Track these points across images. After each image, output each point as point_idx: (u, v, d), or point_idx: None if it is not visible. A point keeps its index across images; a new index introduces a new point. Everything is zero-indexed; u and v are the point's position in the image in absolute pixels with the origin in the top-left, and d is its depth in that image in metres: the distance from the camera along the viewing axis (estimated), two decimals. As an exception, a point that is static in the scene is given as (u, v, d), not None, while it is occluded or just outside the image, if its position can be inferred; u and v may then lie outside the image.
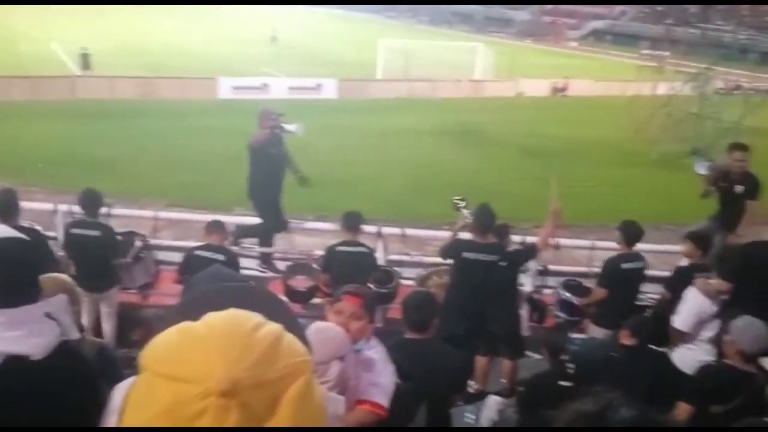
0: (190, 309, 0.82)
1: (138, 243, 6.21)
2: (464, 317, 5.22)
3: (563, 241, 7.79)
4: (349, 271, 5.45)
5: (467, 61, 32.35)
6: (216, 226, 5.91)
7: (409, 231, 7.53)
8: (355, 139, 18.38)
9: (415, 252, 7.38)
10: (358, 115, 22.15)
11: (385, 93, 27.35)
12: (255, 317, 0.78)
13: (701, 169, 6.44)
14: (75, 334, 2.74)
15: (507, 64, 33.43)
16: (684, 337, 4.53)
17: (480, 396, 5.64)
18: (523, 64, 35.83)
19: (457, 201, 5.88)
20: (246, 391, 0.69)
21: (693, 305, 4.51)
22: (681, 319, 4.52)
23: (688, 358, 4.19)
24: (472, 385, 5.66)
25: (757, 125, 19.34)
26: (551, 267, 7.12)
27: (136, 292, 6.32)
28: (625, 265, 5.60)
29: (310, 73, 28.60)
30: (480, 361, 5.73)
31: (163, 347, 0.74)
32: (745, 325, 3.30)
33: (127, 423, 0.73)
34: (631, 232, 5.69)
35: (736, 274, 4.28)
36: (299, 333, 0.83)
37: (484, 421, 4.81)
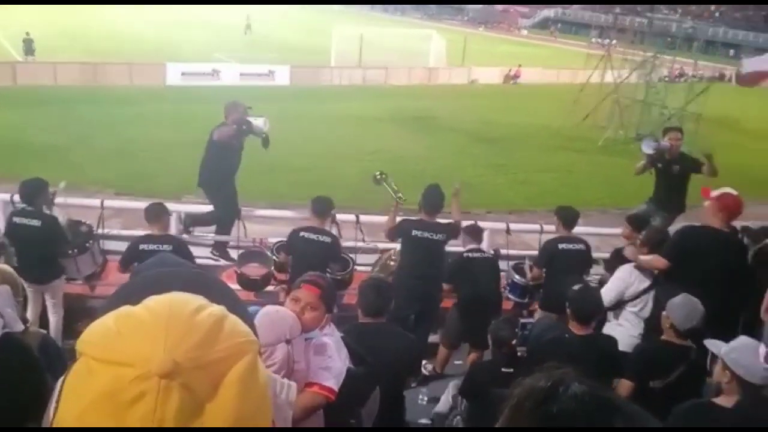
0: (131, 294, 0.81)
1: (84, 232, 6.04)
2: (414, 298, 5.26)
3: (513, 226, 7.95)
4: (308, 260, 5.25)
5: (421, 49, 32.41)
6: (156, 213, 5.53)
7: (364, 217, 7.52)
8: (308, 127, 18.23)
9: (369, 238, 7.38)
10: (312, 102, 21.96)
11: (338, 80, 27.17)
12: (197, 300, 0.77)
13: (648, 148, 6.65)
14: (19, 327, 2.67)
15: (460, 51, 33.64)
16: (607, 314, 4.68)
17: (435, 378, 5.74)
18: (476, 52, 36.11)
19: (376, 175, 5.97)
20: (187, 373, 0.68)
21: (618, 282, 4.68)
22: (603, 294, 4.65)
23: (617, 334, 4.31)
24: (427, 368, 5.75)
25: (699, 111, 20.04)
26: (502, 251, 7.23)
27: (82, 283, 6.14)
28: (562, 246, 5.68)
29: (263, 60, 28.18)
30: (442, 350, 5.80)
31: (100, 332, 0.73)
32: (679, 303, 3.43)
33: (64, 410, 0.71)
34: (567, 216, 5.86)
35: (674, 254, 4.43)
36: (243, 315, 0.82)
37: (441, 405, 4.90)
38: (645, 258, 4.54)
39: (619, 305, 4.69)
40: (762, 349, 2.07)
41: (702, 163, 6.61)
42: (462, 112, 22.64)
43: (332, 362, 2.58)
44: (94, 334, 0.73)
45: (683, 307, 3.39)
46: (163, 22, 42.12)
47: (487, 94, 27.74)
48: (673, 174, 6.87)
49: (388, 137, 18.13)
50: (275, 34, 40.63)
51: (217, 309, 0.77)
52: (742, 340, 2.73)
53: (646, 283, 4.62)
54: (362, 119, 19.98)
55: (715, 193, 4.21)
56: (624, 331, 4.52)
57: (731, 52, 50.78)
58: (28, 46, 24.79)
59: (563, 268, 5.56)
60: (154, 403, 0.66)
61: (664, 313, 3.47)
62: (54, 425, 0.73)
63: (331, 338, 2.72)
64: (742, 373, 2.57)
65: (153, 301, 0.76)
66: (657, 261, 4.41)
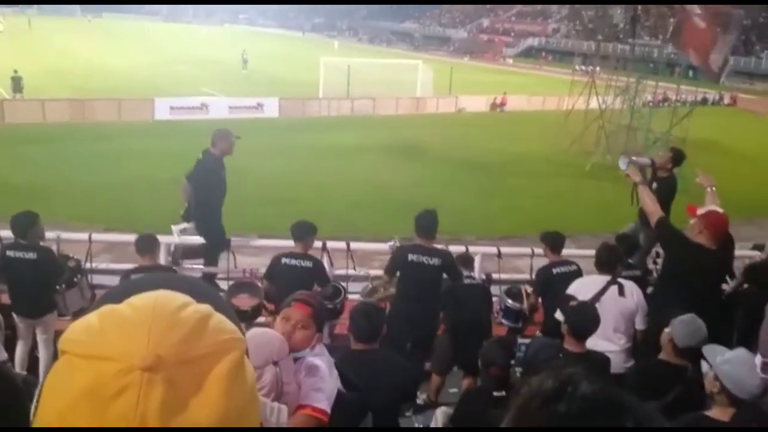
0: (116, 296, 0.80)
1: (72, 267, 5.97)
2: (411, 324, 5.22)
3: (504, 250, 7.96)
4: (291, 286, 5.25)
5: (408, 79, 32.80)
6: (146, 244, 5.56)
7: (354, 245, 7.50)
8: (297, 158, 18.32)
9: (360, 267, 7.36)
10: (300, 133, 22.09)
11: (327, 111, 27.39)
12: (182, 297, 0.76)
13: (622, 164, 6.71)
14: (3, 355, 2.62)
15: (446, 81, 34.07)
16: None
17: (429, 407, 5.66)
18: (462, 81, 36.61)
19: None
20: (171, 368, 0.67)
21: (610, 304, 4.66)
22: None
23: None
24: (421, 397, 5.67)
25: (683, 135, 20.29)
26: (494, 276, 7.23)
27: (70, 319, 6.06)
28: (556, 270, 5.72)
29: (251, 93, 28.40)
30: (434, 378, 5.75)
31: (83, 329, 0.72)
32: (684, 320, 3.42)
33: (45, 408, 0.69)
34: (554, 240, 5.92)
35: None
36: (230, 316, 0.81)
37: (433, 432, 4.83)
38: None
39: None
40: (758, 359, 2.06)
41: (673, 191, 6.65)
42: (450, 140, 22.84)
43: (324, 383, 2.55)
44: (76, 331, 0.71)
45: (687, 326, 3.38)
46: (150, 61, 42.44)
47: (474, 122, 28.03)
48: (653, 191, 6.91)
49: (377, 167, 18.21)
50: (263, 68, 41.03)
51: (202, 306, 0.76)
52: (738, 352, 2.71)
53: (590, 295, 4.60)
54: (351, 149, 20.09)
55: (700, 211, 4.24)
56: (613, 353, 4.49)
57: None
58: (17, 84, 24.82)
59: (558, 291, 5.54)
60: (137, 397, 0.65)
61: (666, 329, 3.45)
62: (34, 425, 0.71)
63: (322, 358, 2.69)
64: (730, 387, 2.56)
65: (137, 299, 0.75)
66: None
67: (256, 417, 0.79)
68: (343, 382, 2.81)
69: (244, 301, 6.17)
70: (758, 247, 5.70)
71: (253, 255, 7.86)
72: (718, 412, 2.61)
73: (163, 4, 47.00)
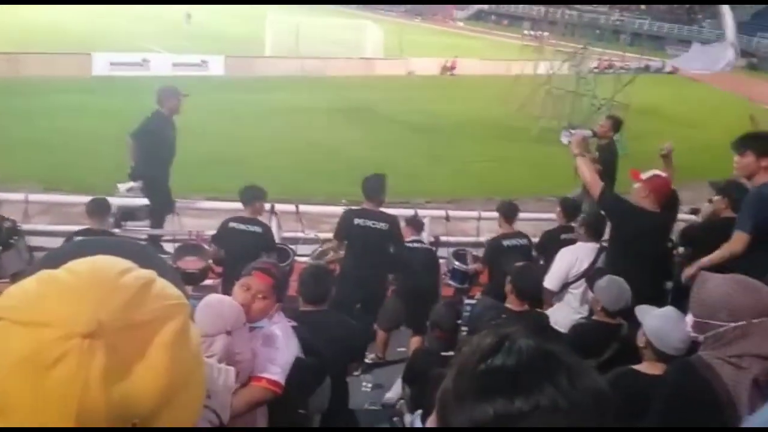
0: (55, 259, 0.78)
1: (7, 228, 5.74)
2: (359, 287, 5.26)
3: (452, 214, 8.07)
4: (239, 251, 5.19)
5: (357, 39, 32.31)
6: (98, 207, 5.48)
7: (303, 208, 7.45)
8: (244, 118, 17.92)
9: (309, 229, 7.33)
10: (247, 92, 21.56)
11: (274, 70, 26.78)
12: (124, 262, 0.75)
13: (564, 138, 6.85)
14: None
15: (397, 43, 33.74)
16: (553, 296, 4.83)
17: (378, 365, 5.76)
18: (413, 43, 36.32)
19: None
20: (112, 333, 0.66)
21: (561, 266, 4.82)
22: (550, 279, 4.81)
23: (560, 316, 4.45)
24: (370, 356, 5.76)
25: (627, 102, 20.83)
26: (442, 238, 7.33)
27: (8, 282, 5.84)
28: (507, 243, 5.83)
29: (195, 49, 27.46)
30: (380, 333, 5.83)
31: (20, 294, 0.69)
32: (606, 285, 3.57)
33: None
34: (508, 210, 6.02)
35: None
36: (175, 281, 0.80)
37: (392, 392, 4.92)
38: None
39: (564, 287, 4.82)
40: (689, 318, 2.17)
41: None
42: (400, 103, 22.74)
43: (280, 354, 2.54)
44: (13, 296, 0.70)
45: (611, 290, 3.52)
46: (86, 14, 40.30)
47: (424, 85, 27.96)
48: (595, 160, 7.11)
49: (327, 128, 18.03)
50: (208, 24, 39.64)
51: (145, 272, 0.75)
52: (666, 310, 2.84)
53: (586, 264, 4.77)
54: (300, 110, 19.78)
55: (644, 176, 4.37)
56: (567, 311, 4.66)
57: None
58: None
59: (507, 263, 5.65)
60: (77, 364, 0.64)
61: (593, 296, 3.59)
62: None
63: (280, 327, 2.68)
64: (654, 341, 2.69)
65: (77, 263, 0.73)
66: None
67: (202, 382, 0.79)
68: (303, 347, 2.81)
69: (191, 264, 6.08)
70: (694, 211, 5.95)
71: (199, 217, 7.72)
72: (647, 366, 2.75)
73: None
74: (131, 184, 6.72)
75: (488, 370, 0.82)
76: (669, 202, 4.34)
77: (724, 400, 1.98)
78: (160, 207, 6.88)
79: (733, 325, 2.02)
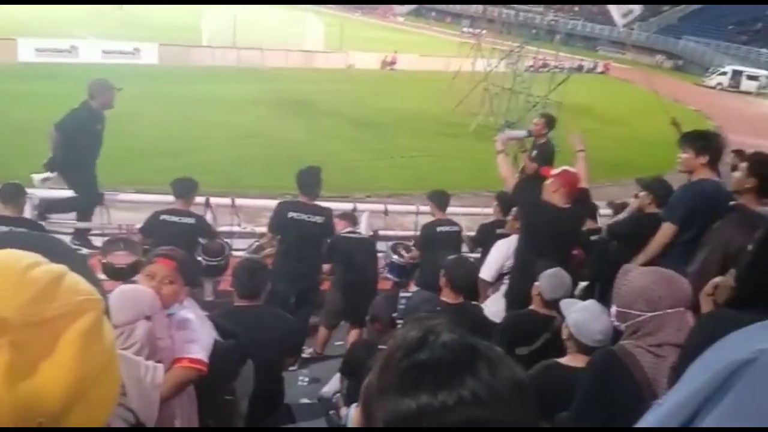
0: None
1: None
2: (293, 280, 5.22)
3: (391, 208, 8.11)
4: (173, 243, 5.08)
5: (297, 31, 31.95)
6: (12, 193, 5.19)
7: (240, 201, 7.32)
8: (179, 109, 17.44)
9: (246, 223, 7.21)
10: (182, 82, 21.00)
11: (211, 60, 26.18)
12: (32, 257, 0.73)
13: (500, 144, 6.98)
14: None
15: (337, 36, 33.58)
16: (489, 288, 4.94)
17: (315, 360, 5.74)
18: (353, 37, 36.21)
19: None
20: (18, 330, 0.65)
21: (497, 257, 4.94)
22: (486, 270, 4.93)
23: (495, 308, 4.54)
24: (308, 351, 5.73)
25: (560, 100, 21.43)
26: (381, 232, 7.36)
27: None
28: (439, 229, 5.97)
29: (127, 37, 26.51)
30: (322, 330, 5.81)
31: None
32: (550, 274, 3.67)
33: None
34: (440, 199, 6.16)
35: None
36: (88, 276, 0.78)
37: (328, 386, 4.90)
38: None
39: (500, 278, 4.93)
40: (613, 309, 2.25)
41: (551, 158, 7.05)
42: (340, 96, 22.66)
43: (197, 334, 2.54)
44: None
45: (552, 279, 3.62)
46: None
47: (364, 79, 27.94)
48: (532, 158, 7.30)
49: (265, 121, 17.77)
50: (142, 11, 38.33)
51: (55, 266, 0.73)
52: (588, 302, 2.96)
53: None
54: (237, 102, 19.42)
55: (554, 172, 4.57)
56: (503, 302, 4.75)
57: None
58: None
59: (439, 248, 5.72)
60: None
61: (536, 282, 3.68)
62: None
63: (191, 311, 2.67)
64: (575, 333, 2.80)
65: None
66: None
67: (116, 379, 0.77)
68: (219, 331, 2.80)
69: (120, 258, 5.87)
70: (615, 206, 6.21)
71: (130, 210, 7.46)
72: (571, 359, 2.84)
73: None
74: (47, 174, 6.42)
75: (412, 365, 0.83)
76: (580, 198, 4.50)
77: (644, 388, 2.06)
78: (86, 200, 6.60)
79: (650, 314, 2.12)
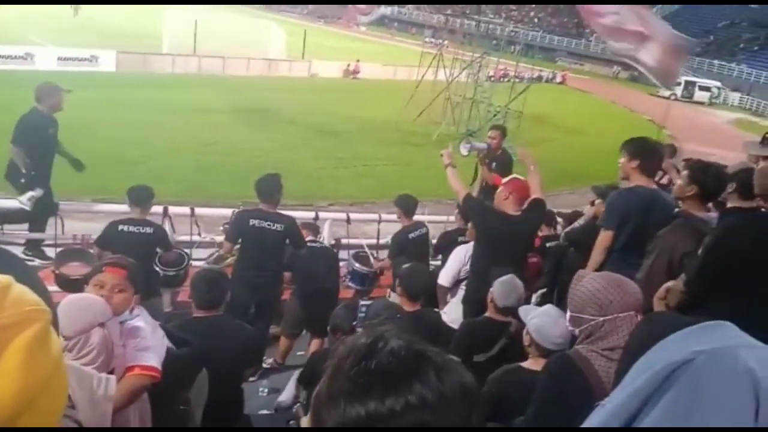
0: None
1: None
2: (253, 290, 5.17)
3: (354, 216, 8.11)
4: (132, 253, 4.97)
5: (259, 39, 31.80)
6: None
7: (199, 210, 7.22)
8: (137, 116, 17.12)
9: (205, 233, 7.12)
10: (141, 90, 20.63)
11: (171, 68, 25.83)
12: None
13: (464, 150, 7.07)
14: None
15: (300, 44, 33.53)
16: (447, 293, 4.99)
17: (275, 370, 5.68)
18: (316, 46, 36.21)
19: None
20: None
21: (454, 263, 5.01)
22: (444, 276, 5.00)
23: (454, 314, 4.60)
24: (268, 361, 5.67)
25: (520, 110, 21.82)
26: (343, 241, 7.35)
27: None
28: (411, 235, 6.01)
29: (85, 44, 25.97)
30: (283, 340, 5.76)
31: None
32: (502, 281, 3.71)
33: None
34: (407, 205, 6.17)
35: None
36: (35, 286, 0.78)
37: (284, 395, 4.87)
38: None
39: (457, 284, 4.98)
40: (568, 313, 2.30)
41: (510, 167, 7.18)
42: (303, 105, 22.61)
43: (149, 342, 2.52)
44: None
45: (504, 285, 3.67)
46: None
47: (327, 88, 27.95)
48: (491, 169, 7.40)
49: (226, 129, 17.60)
50: (99, 16, 37.62)
51: (1, 277, 0.73)
52: (547, 308, 3.01)
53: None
54: (198, 110, 19.19)
55: (505, 180, 4.67)
56: (460, 308, 4.79)
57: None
58: None
59: (413, 254, 5.78)
60: None
61: (491, 289, 3.73)
62: None
63: (142, 319, 2.64)
64: (536, 338, 2.85)
65: None
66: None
67: (63, 389, 0.77)
68: (172, 340, 2.78)
69: (75, 269, 5.72)
70: (565, 216, 6.41)
71: (85, 220, 7.29)
72: (532, 363, 2.89)
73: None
74: (31, 193, 6.25)
75: (361, 372, 0.84)
76: (532, 207, 4.58)
77: (597, 390, 2.11)
78: (40, 210, 6.43)
79: (602, 319, 2.17)
